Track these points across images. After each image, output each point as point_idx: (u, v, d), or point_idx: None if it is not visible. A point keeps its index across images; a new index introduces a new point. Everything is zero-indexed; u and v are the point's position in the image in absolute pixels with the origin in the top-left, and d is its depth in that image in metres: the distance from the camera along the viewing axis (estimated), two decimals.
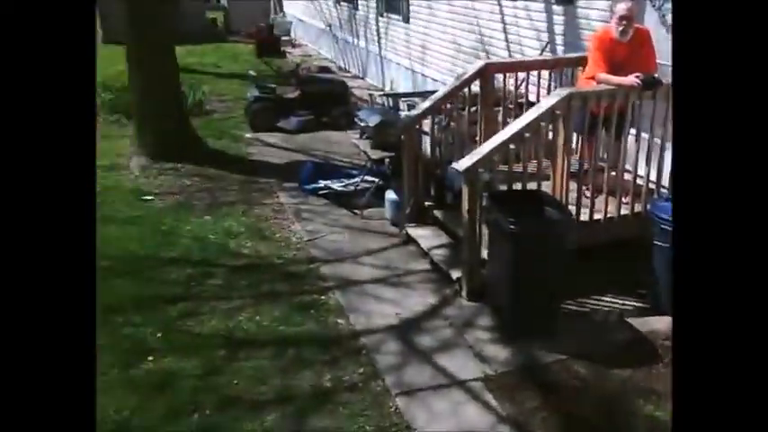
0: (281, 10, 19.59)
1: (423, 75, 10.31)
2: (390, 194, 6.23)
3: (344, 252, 5.81)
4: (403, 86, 11.13)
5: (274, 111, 9.37)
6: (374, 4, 11.93)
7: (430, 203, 5.99)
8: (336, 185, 6.89)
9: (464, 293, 4.94)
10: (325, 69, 14.30)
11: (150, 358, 4.21)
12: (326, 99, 9.66)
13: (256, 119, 9.35)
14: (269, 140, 9.01)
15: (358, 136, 6.90)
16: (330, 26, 15.11)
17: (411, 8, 10.33)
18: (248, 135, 9.21)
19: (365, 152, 6.61)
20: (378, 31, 12.04)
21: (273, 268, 5.49)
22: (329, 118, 9.68)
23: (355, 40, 13.51)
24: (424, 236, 5.77)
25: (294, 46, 17.48)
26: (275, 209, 6.76)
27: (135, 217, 6.46)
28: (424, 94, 7.92)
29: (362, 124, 6.46)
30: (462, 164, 4.40)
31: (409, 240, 5.90)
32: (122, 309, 4.80)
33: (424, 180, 5.90)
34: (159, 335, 4.48)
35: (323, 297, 5.03)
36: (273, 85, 9.73)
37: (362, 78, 13.28)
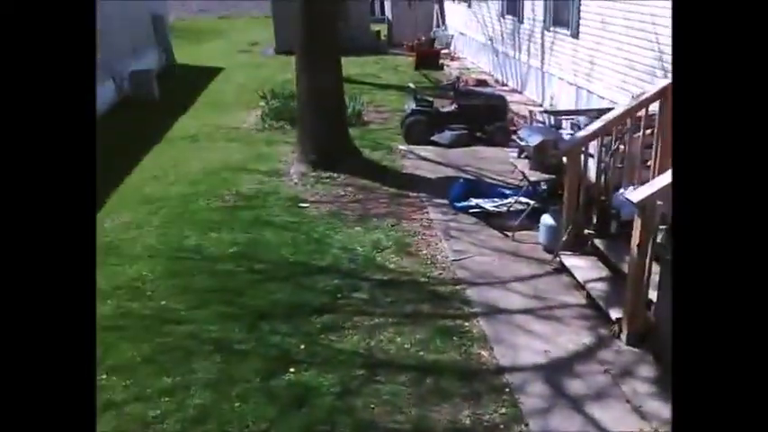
0: (443, 23, 19.65)
1: (588, 91, 9.72)
2: (546, 219, 5.86)
3: (492, 276, 5.53)
4: (564, 102, 10.59)
5: (429, 124, 9.31)
6: (541, 18, 11.49)
7: (590, 232, 5.53)
8: (488, 205, 6.63)
9: (623, 336, 4.46)
10: (483, 83, 14.08)
11: (292, 370, 4.24)
12: (483, 114, 9.43)
13: (411, 131, 9.35)
14: (422, 154, 8.95)
15: (516, 154, 6.59)
16: (491, 39, 14.85)
17: (581, 22, 9.79)
18: (402, 147, 9.23)
19: (522, 172, 6.29)
20: (542, 44, 11.58)
21: (418, 287, 5.36)
22: (484, 133, 9.44)
23: (516, 54, 13.13)
24: (581, 266, 5.33)
25: (453, 59, 17.44)
26: (424, 224, 6.64)
27: (290, 223, 6.67)
28: (589, 113, 7.42)
29: (522, 143, 6.15)
30: (638, 194, 3.97)
31: (563, 270, 5.49)
32: (272, 315, 4.92)
33: (585, 206, 5.46)
34: (303, 346, 4.52)
35: (467, 323, 4.80)
36: (431, 98, 9.68)
37: (521, 93, 12.87)
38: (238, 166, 8.54)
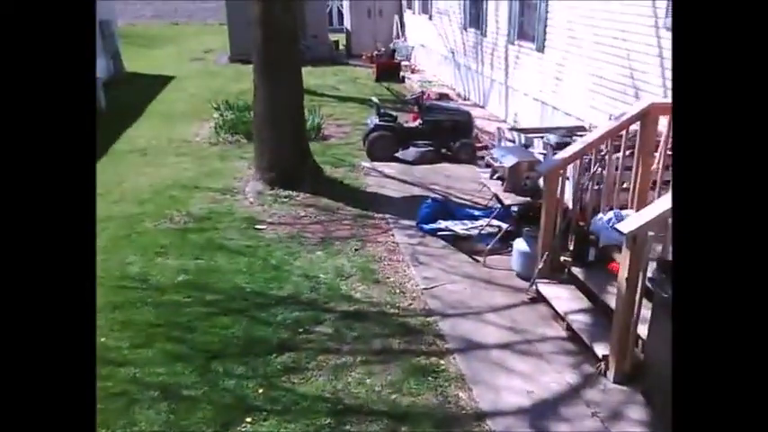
0: (403, 35, 19.42)
1: (554, 107, 9.53)
2: (520, 244, 5.53)
3: (465, 306, 5.16)
4: (529, 118, 10.39)
5: (393, 140, 8.95)
6: (505, 32, 11.30)
7: (567, 258, 5.23)
8: (458, 228, 6.28)
9: (611, 374, 4.15)
10: (445, 97, 13.82)
11: (249, 419, 3.76)
12: (448, 130, 9.12)
13: (374, 147, 8.96)
14: (386, 171, 8.57)
15: (487, 175, 6.26)
16: (453, 52, 14.64)
17: (548, 36, 9.61)
18: (366, 164, 8.83)
19: (496, 195, 5.96)
20: (506, 58, 11.39)
21: (387, 319, 4.95)
22: (450, 150, 9.13)
23: (479, 68, 12.93)
24: (560, 296, 5.01)
25: (413, 71, 17.17)
26: (390, 248, 6.24)
27: (246, 247, 6.17)
28: (557, 130, 7.16)
29: (496, 164, 5.83)
30: (629, 224, 3.66)
31: (540, 299, 5.17)
32: (225, 354, 4.42)
33: (562, 231, 5.16)
34: (261, 390, 4.03)
35: (442, 361, 4.40)
36: (395, 114, 9.32)
37: (483, 108, 12.65)
38: (189, 184, 7.98)
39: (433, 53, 16.60)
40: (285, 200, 7.32)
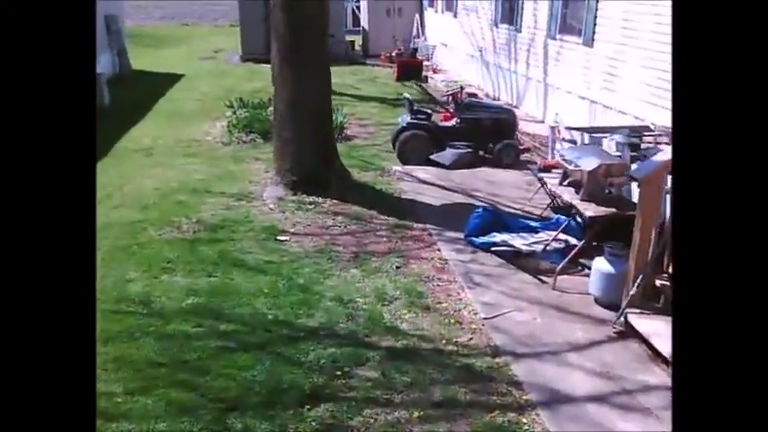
0: (423, 34, 18.49)
1: (604, 106, 8.55)
2: (601, 263, 4.55)
3: (539, 342, 4.19)
4: (573, 118, 9.41)
5: (428, 141, 7.98)
6: (544, 26, 10.35)
7: (664, 283, 4.24)
8: (518, 242, 5.30)
9: None
10: (473, 96, 12.87)
11: None
12: (489, 130, 8.15)
13: (406, 149, 7.99)
14: (421, 176, 7.59)
15: (555, 180, 5.27)
16: (481, 51, 13.69)
17: (597, 28, 8.64)
18: (397, 168, 7.86)
19: (571, 204, 4.98)
20: (545, 54, 10.42)
21: (445, 359, 3.97)
22: (490, 152, 8.16)
23: (512, 66, 11.97)
24: (658, 332, 4.02)
25: (435, 71, 16.22)
26: (437, 266, 5.27)
27: (266, 263, 5.21)
28: (621, 130, 6.16)
29: (570, 167, 4.85)
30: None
31: (631, 333, 4.19)
32: (245, 405, 3.46)
33: (660, 252, 4.17)
34: None
35: (523, 419, 3.42)
36: (429, 111, 8.36)
37: (516, 107, 11.68)
38: (200, 187, 7.03)
39: (457, 52, 15.66)
40: (310, 207, 6.36)
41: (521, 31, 11.52)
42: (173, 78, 14.99)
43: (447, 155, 7.89)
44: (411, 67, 15.04)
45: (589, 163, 4.67)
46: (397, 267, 5.20)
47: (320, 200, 6.48)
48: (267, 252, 5.43)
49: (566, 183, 5.08)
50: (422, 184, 7.31)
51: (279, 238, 5.71)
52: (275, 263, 5.22)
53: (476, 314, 4.50)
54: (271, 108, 10.05)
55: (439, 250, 5.56)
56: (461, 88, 8.61)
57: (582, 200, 4.74)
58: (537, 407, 3.52)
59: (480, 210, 5.74)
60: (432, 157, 7.90)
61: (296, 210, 6.30)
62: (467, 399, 3.57)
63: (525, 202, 6.80)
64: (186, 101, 12.46)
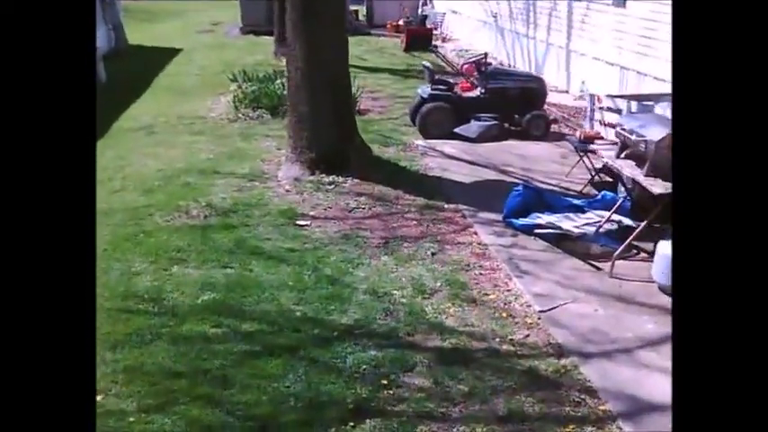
0: (431, 1, 17.73)
1: (639, 72, 7.95)
2: (668, 247, 4.03)
3: (606, 338, 3.69)
4: (602, 87, 8.81)
5: (451, 113, 7.40)
6: None
7: None
8: (568, 224, 4.77)
9: None
10: (488, 64, 12.23)
11: None
12: (516, 100, 7.58)
13: (428, 122, 7.41)
14: (447, 150, 7.04)
15: (612, 153, 4.72)
16: (496, 16, 13.00)
17: None
18: (420, 142, 7.29)
19: (632, 179, 4.44)
20: (569, 18, 9.78)
21: (502, 361, 3.47)
22: (517, 124, 7.60)
23: (530, 31, 11.32)
24: None
25: (444, 40, 15.53)
26: (477, 251, 4.75)
27: (287, 251, 4.69)
28: (665, 97, 5.58)
29: (633, 137, 4.29)
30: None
31: None
32: (279, 423, 2.97)
33: None
34: None
35: None
36: (452, 81, 7.76)
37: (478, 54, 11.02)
38: (208, 168, 6.48)
39: (468, 20, 14.96)
40: (330, 187, 5.82)
41: None
42: (171, 53, 14.31)
43: (472, 127, 7.32)
44: (420, 37, 14.33)
45: (655, 132, 4.12)
46: (433, 254, 4.68)
47: (340, 179, 5.93)
48: (287, 238, 4.91)
49: (623, 155, 4.53)
50: (448, 159, 6.76)
51: (299, 222, 5.18)
52: (297, 251, 4.70)
53: (529, 306, 4.00)
54: (279, 81, 9.47)
55: (476, 233, 5.04)
56: (485, 55, 7.97)
57: (646, 175, 4.19)
58: (617, 418, 3.03)
59: (520, 188, 5.20)
60: (456, 130, 7.33)
61: (315, 191, 5.76)
62: (536, 411, 3.08)
63: (562, 177, 6.27)
64: (186, 75, 11.83)
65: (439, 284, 4.24)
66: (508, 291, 4.20)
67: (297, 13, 5.70)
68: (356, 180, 5.93)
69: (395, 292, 4.14)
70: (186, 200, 5.62)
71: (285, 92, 8.79)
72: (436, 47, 14.63)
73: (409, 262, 4.55)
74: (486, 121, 7.38)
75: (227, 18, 19.78)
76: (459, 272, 4.42)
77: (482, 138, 7.26)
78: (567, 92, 9.90)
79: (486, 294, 4.14)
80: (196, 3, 27.57)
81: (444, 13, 16.36)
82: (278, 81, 9.41)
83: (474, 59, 8.03)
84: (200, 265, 4.51)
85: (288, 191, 5.78)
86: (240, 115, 8.64)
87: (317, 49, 5.76)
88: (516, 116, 7.59)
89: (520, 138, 7.51)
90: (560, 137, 7.77)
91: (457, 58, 13.79)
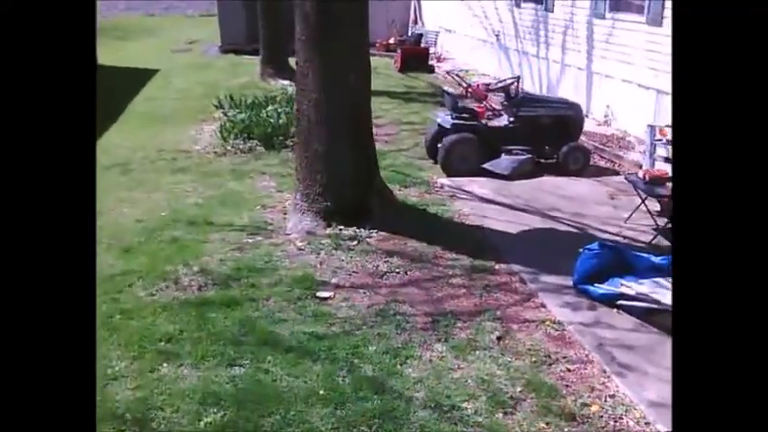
0: (420, 19, 16.89)
1: None
2: None
3: None
4: (631, 113, 7.96)
5: (478, 146, 6.43)
6: (586, 4, 8.85)
7: None
8: (664, 294, 3.79)
9: None
10: (487, 85, 11.36)
11: None
12: (551, 130, 6.65)
13: (452, 157, 6.41)
14: (477, 191, 6.05)
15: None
16: (498, 35, 12.16)
17: (667, 3, 7.17)
18: (444, 181, 6.30)
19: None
20: (590, 37, 8.94)
21: None
22: (551, 157, 6.67)
23: (541, 51, 10.48)
24: None
25: (440, 59, 14.66)
26: (552, 333, 3.74)
27: (311, 339, 3.63)
28: None
29: None
30: None
31: None
32: None
33: None
34: None
35: None
36: (475, 108, 6.81)
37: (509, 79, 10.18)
38: (198, 217, 5.39)
39: (465, 38, 14.12)
40: (352, 243, 4.76)
41: (552, 11, 10.02)
42: (146, 74, 13.18)
43: (503, 162, 6.36)
44: (416, 56, 13.46)
45: None
46: (498, 338, 3.66)
47: (363, 232, 4.89)
48: (308, 318, 3.84)
49: None
50: (482, 202, 5.76)
51: (319, 294, 4.12)
52: (323, 337, 3.64)
53: (647, 424, 2.99)
54: (270, 108, 8.44)
55: (544, 306, 4.04)
56: (517, 79, 7.02)
57: None
58: None
59: (595, 246, 4.21)
60: (484, 165, 6.36)
61: (334, 249, 4.70)
62: None
63: (618, 222, 5.33)
64: (165, 100, 10.71)
65: (519, 390, 3.21)
66: (611, 397, 3.19)
67: (311, 34, 4.67)
68: (382, 233, 4.89)
69: (464, 404, 3.10)
70: (174, 263, 4.53)
71: (280, 120, 7.81)
72: (432, 67, 13.80)
73: (471, 352, 3.52)
74: (518, 154, 6.43)
75: (205, 36, 18.73)
76: (539, 368, 3.40)
77: (515, 174, 6.30)
78: (587, 116, 9.04)
79: (586, 405, 3.12)
80: (169, 19, 26.52)
81: (438, 32, 15.51)
82: (269, 108, 8.39)
83: (503, 84, 7.04)
84: (197, 361, 3.42)
85: (300, 249, 4.71)
86: (229, 147, 7.58)
87: (336, 76, 4.74)
88: (548, 147, 6.65)
89: (555, 173, 6.58)
90: (598, 171, 6.88)
91: (457, 79, 12.95)
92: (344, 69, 4.79)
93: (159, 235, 5.04)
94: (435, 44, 15.47)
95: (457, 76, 7.09)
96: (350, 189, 4.93)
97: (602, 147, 7.50)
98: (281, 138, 7.56)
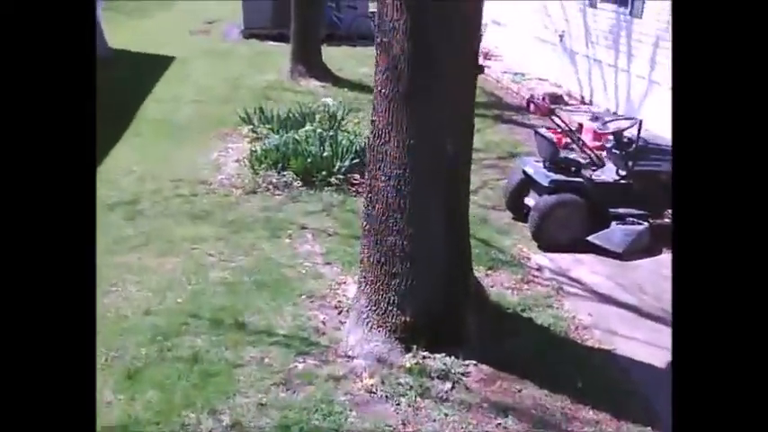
0: None
1: None
2: None
3: None
4: None
5: (584, 211, 4.99)
6: None
7: None
8: None
9: None
10: (559, 99, 9.86)
11: None
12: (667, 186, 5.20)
13: (551, 224, 4.96)
14: (586, 278, 4.62)
15: None
16: (563, 36, 10.61)
17: None
18: (540, 259, 4.86)
19: None
20: None
21: None
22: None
23: (620, 62, 8.95)
24: None
25: (487, 57, 13.05)
26: None
27: None
28: None
29: None
30: None
31: None
32: None
33: None
34: None
35: None
36: (579, 160, 5.35)
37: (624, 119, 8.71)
38: (225, 314, 4.00)
39: (518, 34, 12.54)
40: (444, 387, 3.36)
41: (640, 17, 8.46)
42: (160, 63, 11.73)
43: (615, 234, 4.92)
44: None
45: None
46: None
47: (456, 364, 3.48)
48: None
49: None
50: (601, 301, 4.35)
51: None
52: None
53: None
54: (310, 127, 7.02)
55: None
56: (640, 123, 5.22)
57: None
58: None
59: None
60: (591, 238, 4.93)
61: (418, 395, 3.30)
62: None
63: None
64: (181, 102, 9.28)
65: None
66: None
67: (400, 88, 3.22)
68: (483, 367, 3.48)
69: None
70: (195, 407, 3.19)
71: (323, 152, 6.35)
72: (482, 67, 12.25)
73: None
74: (632, 222, 5.00)
75: (225, 14, 17.16)
76: None
77: (631, 251, 4.88)
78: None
79: None
80: None
81: (485, 24, 13.88)
82: (308, 127, 6.97)
83: (616, 125, 5.45)
84: None
85: (371, 392, 3.33)
86: (259, 180, 6.19)
87: (431, 144, 3.31)
88: (666, 211, 5.22)
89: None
90: None
91: (513, 85, 11.37)
92: (441, 134, 3.36)
93: (174, 346, 3.69)
94: (482, 38, 13.87)
95: (557, 116, 5.14)
96: (440, 300, 3.53)
97: None
98: (323, 172, 6.17)
